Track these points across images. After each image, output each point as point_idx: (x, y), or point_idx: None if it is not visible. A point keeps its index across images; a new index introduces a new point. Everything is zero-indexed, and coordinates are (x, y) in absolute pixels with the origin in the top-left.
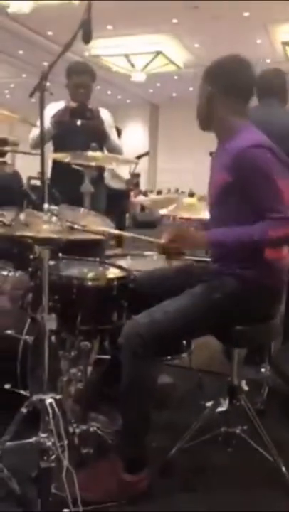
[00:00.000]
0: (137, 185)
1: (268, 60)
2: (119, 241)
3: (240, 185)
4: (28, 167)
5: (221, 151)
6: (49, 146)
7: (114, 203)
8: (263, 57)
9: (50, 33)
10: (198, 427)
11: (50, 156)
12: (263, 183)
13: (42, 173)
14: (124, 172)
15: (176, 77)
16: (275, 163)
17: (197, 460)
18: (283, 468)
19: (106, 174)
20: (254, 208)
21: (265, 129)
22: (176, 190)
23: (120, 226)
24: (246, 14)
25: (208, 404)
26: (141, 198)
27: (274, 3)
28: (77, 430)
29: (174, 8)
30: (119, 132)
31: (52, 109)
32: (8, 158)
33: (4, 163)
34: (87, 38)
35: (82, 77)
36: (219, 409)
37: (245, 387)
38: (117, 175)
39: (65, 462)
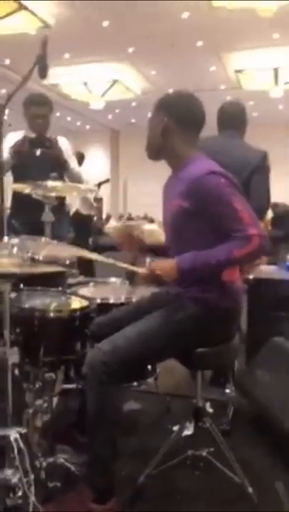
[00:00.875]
0: (100, 210)
1: (222, 87)
2: (88, 267)
3: (197, 210)
4: None
5: (175, 180)
6: (8, 177)
7: (82, 228)
8: (217, 84)
9: (7, 61)
10: (165, 452)
11: (10, 187)
12: (220, 206)
13: (1, 204)
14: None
15: (134, 104)
16: (228, 186)
17: (166, 485)
18: (250, 489)
19: (76, 200)
20: (215, 230)
21: (223, 160)
22: (137, 217)
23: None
24: (200, 44)
25: (175, 428)
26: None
27: (226, 32)
28: (44, 463)
29: (130, 37)
30: (82, 157)
31: (11, 139)
32: None
33: None
34: (43, 74)
35: (40, 108)
36: (186, 432)
37: (210, 409)
38: (88, 200)
39: (32, 498)
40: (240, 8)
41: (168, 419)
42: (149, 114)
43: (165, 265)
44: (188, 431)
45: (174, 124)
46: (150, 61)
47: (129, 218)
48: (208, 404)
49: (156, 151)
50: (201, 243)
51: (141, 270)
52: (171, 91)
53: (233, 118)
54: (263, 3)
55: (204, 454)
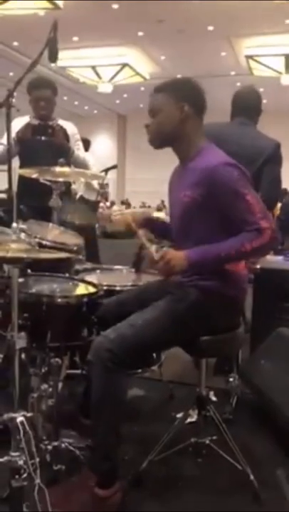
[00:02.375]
0: (106, 196)
1: (233, 73)
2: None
3: (208, 202)
4: None
5: (183, 170)
6: (15, 162)
7: (87, 214)
8: (227, 70)
9: (15, 43)
10: (168, 439)
11: (18, 172)
12: (233, 198)
13: (9, 189)
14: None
15: (142, 89)
16: (241, 178)
17: (168, 471)
18: (251, 476)
19: (81, 186)
20: (225, 222)
21: (234, 148)
22: (143, 205)
23: (92, 237)
24: (210, 28)
25: (178, 415)
26: (111, 211)
27: (237, 18)
28: (49, 447)
29: (140, 21)
30: (88, 144)
31: (18, 123)
32: None
33: None
34: (53, 57)
35: (42, 91)
36: (189, 420)
37: (213, 398)
38: (92, 186)
39: (37, 480)
40: None
41: (171, 406)
42: None
43: (177, 254)
44: (192, 418)
45: (193, 112)
46: (160, 45)
47: (123, 203)
48: (211, 393)
49: (167, 139)
50: (210, 235)
51: (155, 254)
52: (179, 77)
53: (248, 105)
54: None
55: (207, 441)
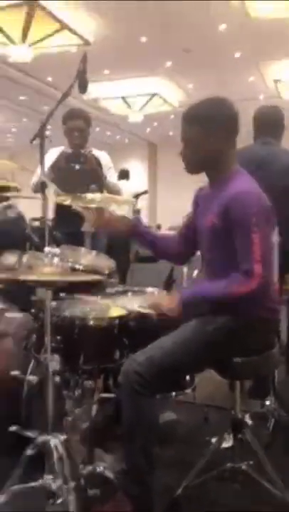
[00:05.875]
0: None
1: (261, 97)
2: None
3: (227, 229)
4: (29, 211)
5: (212, 194)
6: (51, 190)
7: (118, 240)
8: (256, 94)
9: (49, 79)
10: (203, 464)
11: (52, 199)
12: (241, 230)
13: (43, 216)
14: (126, 210)
15: (172, 117)
16: (258, 215)
17: (204, 497)
18: None
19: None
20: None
21: (263, 171)
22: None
23: (124, 262)
24: (237, 55)
25: (213, 439)
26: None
27: (265, 42)
28: (84, 471)
29: (167, 52)
30: (127, 174)
31: (52, 154)
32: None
33: (9, 206)
34: (83, 88)
35: (76, 122)
36: (224, 444)
37: (249, 421)
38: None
39: (72, 507)
40: (276, 18)
41: (206, 430)
42: None
43: (167, 300)
44: (227, 443)
45: (227, 138)
46: (187, 74)
47: (158, 227)
48: (247, 416)
49: (203, 166)
50: (230, 261)
51: (145, 310)
52: (209, 100)
53: (270, 123)
54: None
55: (243, 467)
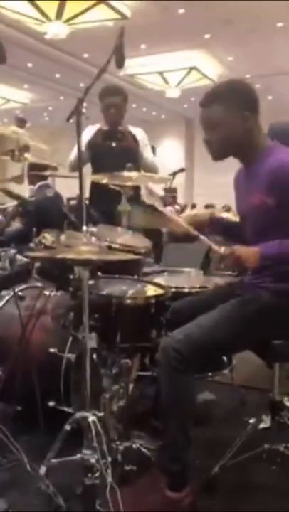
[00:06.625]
0: (175, 200)
1: None
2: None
3: (280, 203)
4: (66, 189)
5: (252, 172)
6: (87, 168)
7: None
8: None
9: (85, 55)
10: (241, 444)
11: (89, 177)
12: None
13: (80, 195)
14: (159, 188)
15: None
16: None
17: (241, 478)
18: None
19: (143, 191)
20: None
21: None
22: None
23: (158, 242)
24: (280, 25)
25: (251, 420)
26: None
27: None
28: (120, 447)
29: (207, 23)
30: (153, 150)
31: (89, 131)
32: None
33: (47, 186)
34: (120, 63)
35: (112, 99)
36: (262, 425)
37: (288, 403)
38: (153, 192)
39: (109, 479)
40: None
41: (243, 411)
42: None
43: (248, 250)
44: (265, 424)
45: (253, 116)
46: (227, 46)
47: (193, 206)
48: (285, 398)
49: (233, 150)
50: (283, 234)
51: (224, 251)
52: (227, 81)
53: None
54: None
55: (281, 448)
